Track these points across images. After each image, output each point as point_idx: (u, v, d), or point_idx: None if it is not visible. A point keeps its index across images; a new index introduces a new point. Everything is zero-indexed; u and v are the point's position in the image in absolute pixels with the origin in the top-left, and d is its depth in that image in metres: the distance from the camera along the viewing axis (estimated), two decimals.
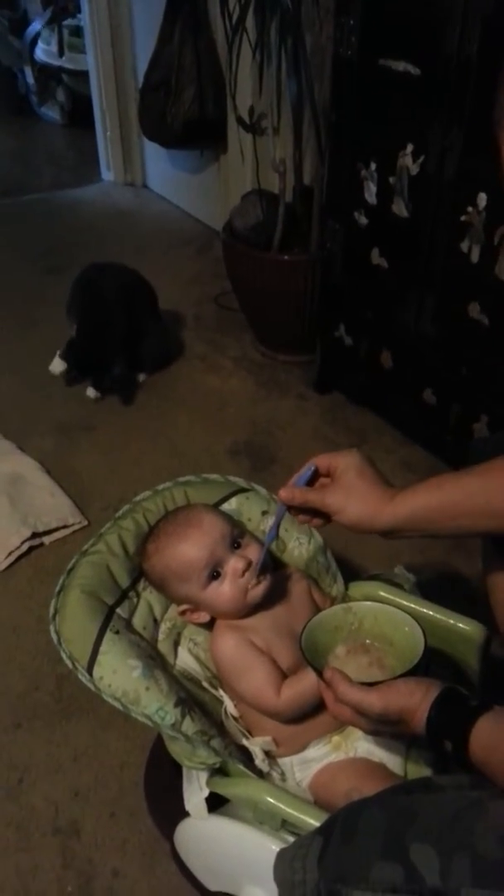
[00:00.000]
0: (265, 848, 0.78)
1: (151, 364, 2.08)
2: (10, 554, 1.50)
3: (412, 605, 0.95)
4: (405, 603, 0.96)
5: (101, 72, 3.19)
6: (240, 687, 0.89)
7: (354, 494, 0.76)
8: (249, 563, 0.89)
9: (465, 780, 0.61)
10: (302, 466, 0.82)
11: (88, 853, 1.05)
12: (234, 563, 0.89)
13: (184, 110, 2.50)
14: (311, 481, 0.82)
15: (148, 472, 1.73)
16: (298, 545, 1.03)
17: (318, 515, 0.81)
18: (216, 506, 1.01)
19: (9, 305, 2.37)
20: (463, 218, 1.37)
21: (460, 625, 0.95)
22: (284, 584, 0.96)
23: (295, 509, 0.81)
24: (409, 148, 1.44)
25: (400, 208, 1.52)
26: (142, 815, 1.07)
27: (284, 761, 0.90)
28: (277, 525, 0.86)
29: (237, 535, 0.92)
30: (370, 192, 1.58)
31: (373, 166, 1.55)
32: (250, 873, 0.84)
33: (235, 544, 0.91)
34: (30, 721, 1.22)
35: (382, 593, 0.99)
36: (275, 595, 0.92)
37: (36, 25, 4.14)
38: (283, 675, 0.88)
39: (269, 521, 1.02)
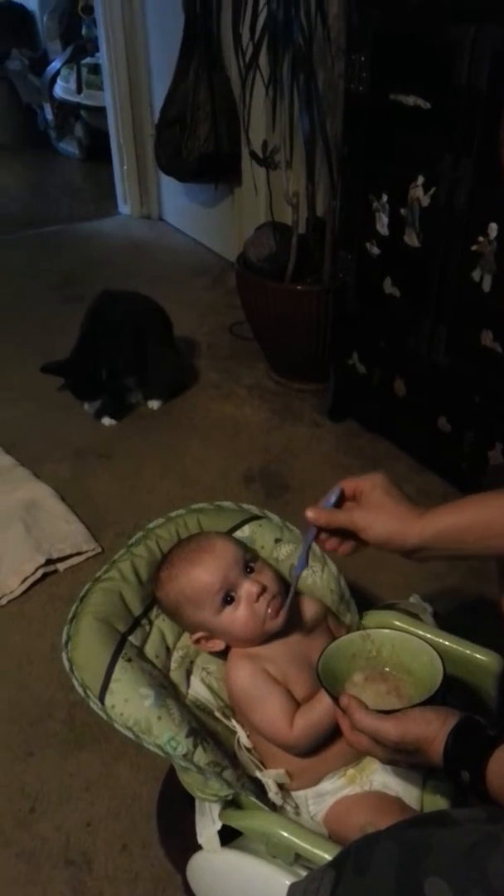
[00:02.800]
0: (278, 882, 0.77)
1: (160, 391, 2.09)
2: (24, 580, 1.50)
3: (428, 635, 0.94)
4: (421, 632, 0.95)
5: (119, 108, 3.27)
6: (254, 718, 0.88)
7: (383, 512, 0.77)
8: (264, 588, 0.88)
9: (482, 813, 0.60)
10: (326, 492, 0.82)
11: (100, 886, 1.03)
12: (248, 587, 0.88)
13: (199, 145, 2.55)
14: (337, 505, 0.81)
15: (162, 500, 1.73)
16: (312, 573, 1.02)
17: (345, 540, 0.81)
18: (229, 533, 1.01)
19: (26, 334, 2.41)
20: (474, 248, 1.38)
21: (477, 655, 0.94)
22: (300, 612, 0.95)
23: (323, 533, 0.81)
24: (420, 180, 1.46)
25: (412, 239, 1.53)
26: (154, 848, 1.06)
27: (298, 794, 0.89)
28: (307, 553, 0.84)
29: (250, 559, 0.92)
30: (382, 224, 1.60)
31: (384, 198, 1.57)
32: None
33: (248, 569, 0.90)
34: (42, 750, 1.21)
35: (398, 623, 0.99)
36: (291, 624, 0.92)
37: (56, 64, 4.26)
38: (298, 707, 0.87)
39: (283, 549, 1.02)
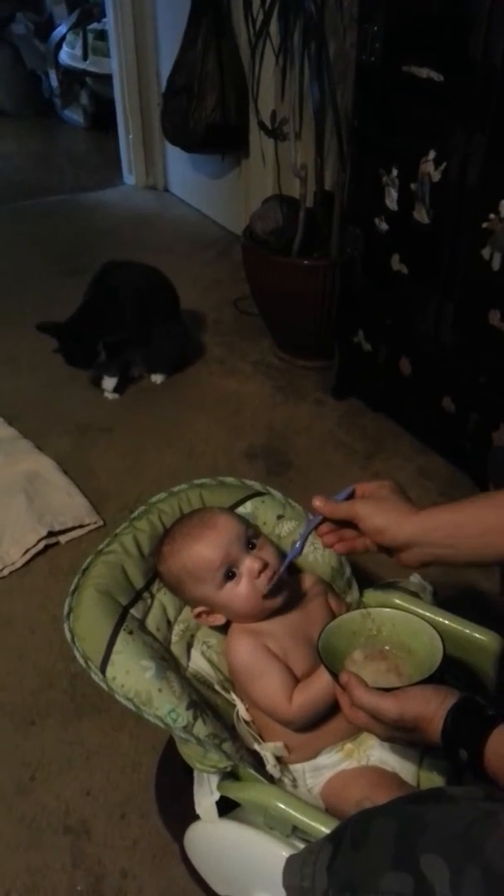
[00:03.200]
0: (274, 853, 0.78)
1: (164, 364, 2.08)
2: (26, 552, 1.51)
3: (428, 614, 0.95)
4: (421, 611, 0.95)
5: (125, 75, 3.21)
6: (253, 693, 0.89)
7: (385, 504, 0.79)
8: (265, 564, 0.89)
9: (479, 791, 0.60)
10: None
11: (98, 853, 1.05)
12: (249, 564, 0.89)
13: (206, 115, 2.51)
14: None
15: (164, 474, 1.73)
16: (314, 550, 1.02)
17: (345, 539, 0.83)
18: (231, 509, 1.01)
19: (29, 306, 2.39)
20: (485, 225, 1.36)
21: (476, 635, 0.94)
22: (301, 589, 0.96)
23: (325, 525, 0.83)
24: (432, 154, 1.44)
25: (421, 215, 1.51)
26: (152, 817, 1.08)
27: (296, 767, 0.90)
28: (304, 539, 0.86)
29: (252, 535, 0.92)
30: (391, 198, 1.58)
31: (394, 172, 1.55)
32: (259, 878, 0.84)
33: (250, 545, 0.91)
34: (43, 719, 1.22)
35: (398, 601, 0.99)
36: (291, 601, 0.92)
37: (61, 29, 4.18)
38: (297, 683, 0.88)
39: (285, 526, 1.02)
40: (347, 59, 1.79)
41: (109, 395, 2.02)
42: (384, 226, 1.64)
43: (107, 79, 3.57)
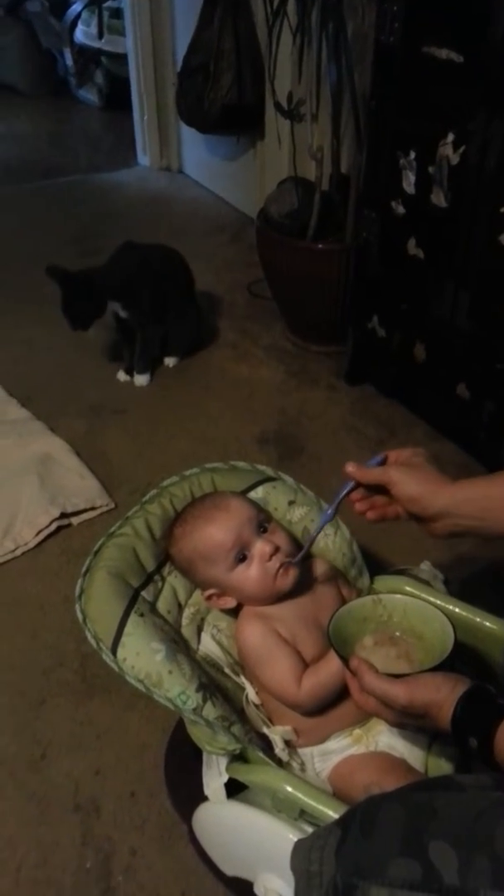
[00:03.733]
0: (282, 836, 0.79)
1: (177, 347, 2.07)
2: (38, 532, 1.52)
3: (438, 601, 0.95)
4: (432, 598, 0.95)
5: (140, 55, 3.18)
6: (262, 676, 0.89)
7: (418, 472, 0.79)
8: (277, 548, 0.89)
9: (488, 780, 0.60)
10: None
11: (107, 831, 1.06)
12: (261, 546, 0.89)
13: (222, 95, 2.48)
14: None
15: (176, 458, 1.73)
16: (325, 536, 1.02)
17: (376, 506, 0.82)
18: (243, 494, 1.01)
19: (42, 288, 2.38)
20: (503, 210, 1.34)
21: (487, 623, 0.94)
22: (312, 574, 0.96)
23: (357, 491, 0.82)
24: (450, 137, 1.42)
25: (439, 198, 1.49)
26: (161, 797, 1.09)
27: (305, 751, 0.91)
28: (337, 504, 0.84)
29: (263, 519, 0.92)
30: (408, 182, 1.56)
31: (412, 155, 1.53)
32: (266, 860, 0.85)
33: (262, 528, 0.91)
34: (54, 698, 1.23)
35: (408, 588, 0.99)
36: (302, 586, 0.92)
37: (76, 7, 4.14)
38: (307, 668, 0.88)
39: (296, 512, 1.02)
40: (366, 40, 1.76)
41: (122, 378, 2.02)
42: (401, 209, 1.62)
43: (122, 58, 3.54)
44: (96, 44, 4.02)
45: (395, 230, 1.66)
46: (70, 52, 4.31)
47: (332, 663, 0.84)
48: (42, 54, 4.53)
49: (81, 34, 4.10)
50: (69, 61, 4.38)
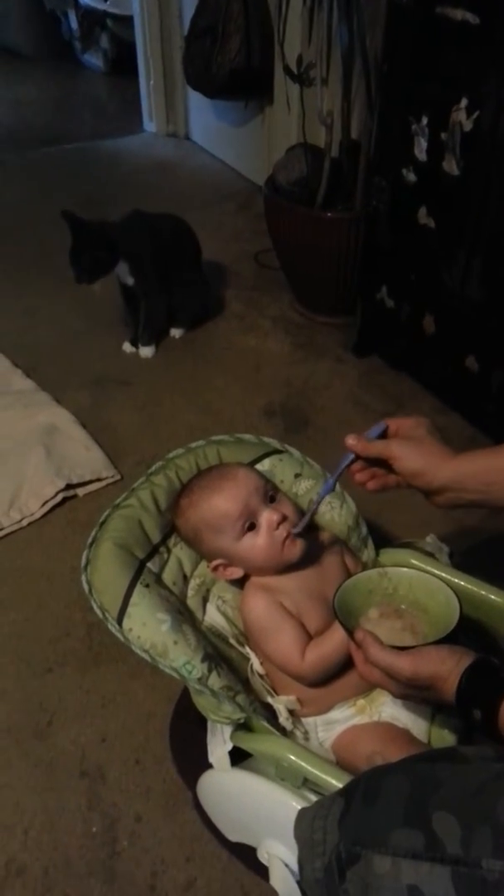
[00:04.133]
0: (285, 804, 0.79)
1: (184, 318, 2.05)
2: (44, 504, 1.52)
3: (444, 574, 0.94)
4: (437, 571, 0.95)
5: (146, 17, 3.11)
6: (267, 648, 0.89)
7: (420, 445, 0.78)
8: (284, 517, 0.89)
9: (491, 751, 0.61)
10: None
11: (113, 797, 1.08)
12: (268, 515, 0.88)
13: (230, 59, 2.43)
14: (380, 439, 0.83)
15: (181, 430, 1.73)
16: (330, 509, 1.02)
17: (376, 476, 0.82)
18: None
19: (47, 258, 2.36)
20: None
21: (492, 596, 0.94)
22: (318, 547, 0.95)
23: (357, 463, 0.82)
24: (464, 102, 1.38)
25: (451, 166, 1.46)
26: (166, 764, 1.10)
27: (308, 721, 0.91)
28: (337, 477, 0.85)
29: (271, 490, 0.92)
30: (420, 148, 1.53)
31: (424, 121, 1.49)
32: (269, 827, 0.86)
33: (270, 498, 0.91)
34: (60, 666, 1.25)
35: (414, 561, 0.99)
36: (307, 558, 0.92)
37: None
38: (310, 640, 0.88)
39: (302, 484, 1.02)
40: (378, 1, 1.71)
41: (128, 349, 2.01)
42: (412, 177, 1.59)
43: (128, 20, 3.45)
44: (101, 6, 3.93)
45: (405, 198, 1.62)
46: (75, 14, 4.22)
47: (336, 636, 0.84)
48: (45, 16, 4.43)
49: None
50: (74, 24, 4.28)
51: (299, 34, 1.97)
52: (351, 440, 0.80)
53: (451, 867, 0.51)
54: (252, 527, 0.89)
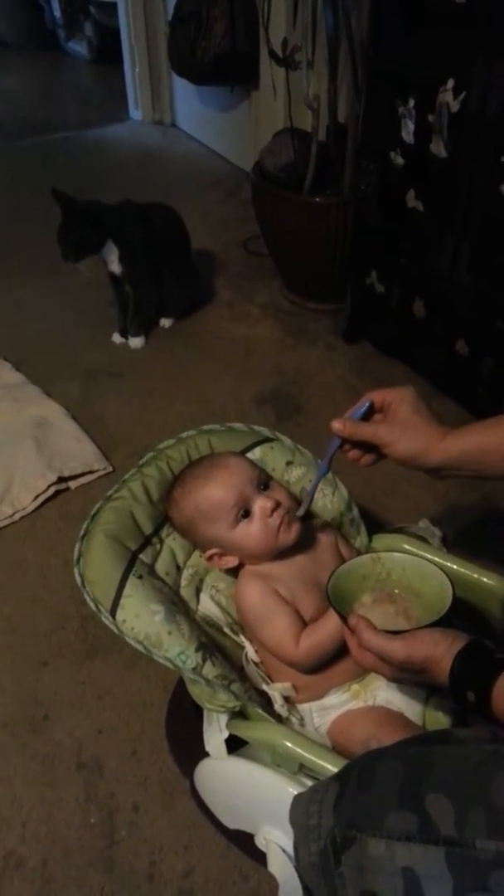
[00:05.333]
0: (282, 790, 0.79)
1: (173, 308, 2.04)
2: (36, 497, 1.51)
3: (436, 559, 0.94)
4: (430, 556, 0.95)
5: (130, 3, 3.07)
6: (262, 635, 0.89)
7: (408, 428, 0.77)
8: (278, 504, 0.88)
9: (485, 732, 0.61)
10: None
11: (110, 788, 1.08)
12: (262, 503, 0.88)
13: (214, 44, 2.40)
14: (366, 417, 0.81)
15: (173, 420, 1.72)
16: (323, 496, 1.02)
17: (367, 453, 0.81)
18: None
19: (34, 249, 2.34)
20: None
21: (485, 579, 0.94)
22: (311, 534, 0.95)
23: (347, 444, 0.81)
24: (450, 83, 1.37)
25: (438, 148, 1.45)
26: (162, 754, 1.10)
27: (303, 707, 0.91)
28: (330, 459, 0.84)
29: (264, 478, 0.92)
30: (407, 131, 1.52)
31: (411, 103, 1.48)
32: (267, 814, 0.86)
33: (263, 486, 0.90)
34: (55, 660, 1.24)
35: (406, 546, 0.99)
36: (301, 545, 0.92)
37: None
38: (305, 627, 0.88)
39: (294, 472, 1.02)
40: None
41: (118, 340, 1.99)
42: (399, 160, 1.58)
43: (112, 8, 3.41)
44: None
45: (393, 182, 1.61)
46: (58, 2, 4.16)
47: (330, 622, 0.84)
48: (29, 5, 4.38)
49: None
50: (57, 12, 4.23)
51: (284, 17, 1.94)
52: (337, 424, 0.79)
53: (446, 848, 0.51)
54: (246, 514, 0.89)
